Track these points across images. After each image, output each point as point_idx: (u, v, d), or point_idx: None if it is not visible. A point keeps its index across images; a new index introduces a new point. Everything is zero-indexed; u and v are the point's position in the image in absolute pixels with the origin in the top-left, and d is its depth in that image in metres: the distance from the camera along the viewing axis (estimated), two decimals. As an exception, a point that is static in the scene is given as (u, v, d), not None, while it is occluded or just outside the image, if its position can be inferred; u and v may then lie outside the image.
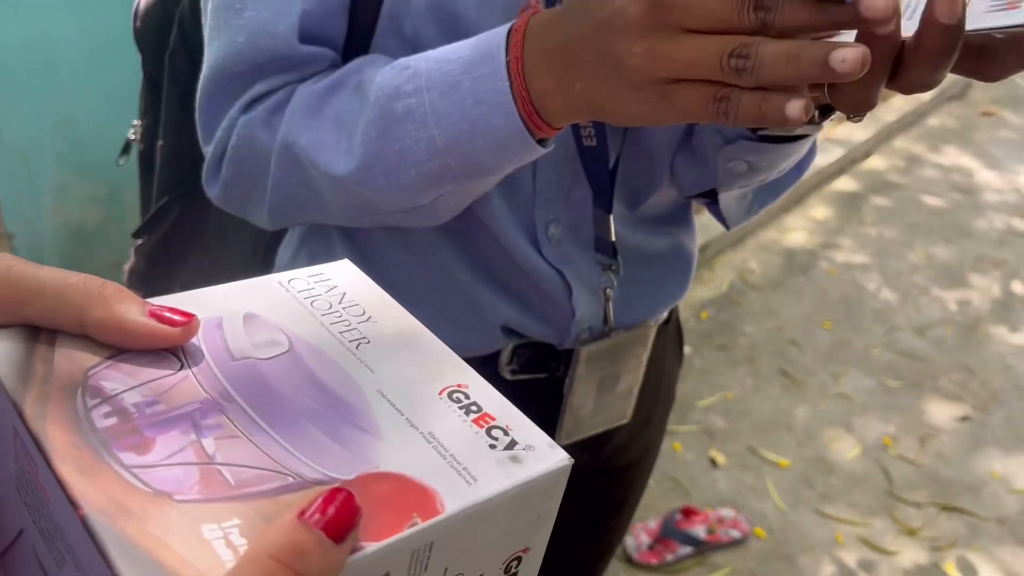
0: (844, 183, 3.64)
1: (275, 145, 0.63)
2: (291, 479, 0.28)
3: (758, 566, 1.90)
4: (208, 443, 0.29)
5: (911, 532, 2.00)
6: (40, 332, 0.32)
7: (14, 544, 0.33)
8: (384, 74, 0.59)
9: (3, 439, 0.31)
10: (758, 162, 0.66)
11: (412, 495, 0.29)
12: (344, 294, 0.39)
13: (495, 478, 0.30)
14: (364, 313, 0.38)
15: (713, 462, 2.16)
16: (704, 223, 2.96)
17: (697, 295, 2.78)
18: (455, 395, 0.34)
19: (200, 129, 0.68)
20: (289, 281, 0.39)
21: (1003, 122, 4.35)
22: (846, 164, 3.72)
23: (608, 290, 0.76)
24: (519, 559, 0.33)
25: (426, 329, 0.38)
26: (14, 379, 0.30)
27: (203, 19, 0.67)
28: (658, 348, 0.88)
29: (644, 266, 0.79)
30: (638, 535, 1.92)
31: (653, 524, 1.94)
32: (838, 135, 3.83)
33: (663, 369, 0.93)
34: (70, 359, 0.31)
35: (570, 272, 0.74)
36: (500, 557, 0.32)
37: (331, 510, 0.25)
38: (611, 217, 0.72)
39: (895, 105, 4.20)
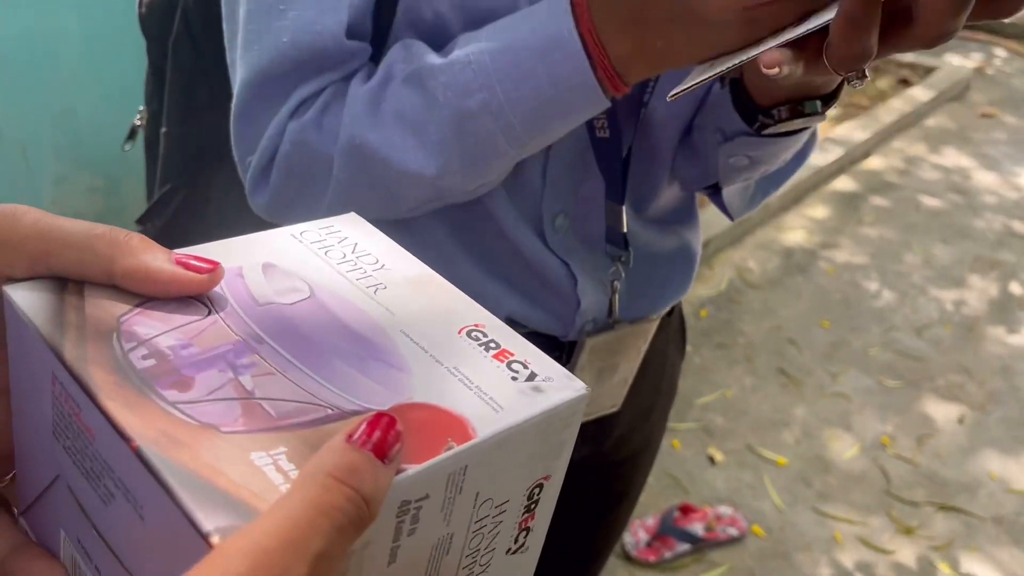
0: (843, 183, 3.64)
1: (336, 147, 0.62)
2: (329, 411, 0.29)
3: (755, 564, 1.90)
4: (246, 380, 0.30)
5: (908, 531, 2.00)
6: (68, 283, 0.32)
7: (48, 490, 0.33)
8: (445, 72, 0.59)
9: (38, 386, 0.31)
10: (759, 156, 0.67)
11: (445, 423, 0.30)
12: (356, 244, 0.40)
13: (520, 406, 0.32)
14: (378, 261, 0.39)
15: (711, 460, 2.16)
16: (704, 221, 2.96)
17: (696, 293, 2.78)
18: (473, 334, 0.35)
19: (237, 137, 0.67)
20: (301, 233, 0.40)
21: (1002, 123, 4.35)
22: (845, 164, 3.73)
23: (616, 282, 0.76)
24: (541, 486, 0.35)
25: (438, 275, 0.39)
26: (49, 326, 0.30)
27: (227, 26, 0.66)
28: (660, 341, 0.88)
29: (651, 265, 0.79)
30: (636, 532, 1.92)
31: (651, 521, 1.94)
32: (837, 135, 3.84)
33: (665, 362, 0.93)
34: (100, 307, 0.32)
35: (575, 263, 0.74)
36: (525, 484, 0.34)
37: (377, 432, 0.26)
38: (623, 208, 0.72)
39: (894, 106, 4.20)
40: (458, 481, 0.30)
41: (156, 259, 0.32)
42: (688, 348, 0.99)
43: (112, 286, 0.32)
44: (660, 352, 0.89)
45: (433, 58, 0.60)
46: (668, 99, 0.53)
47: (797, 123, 0.61)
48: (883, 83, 4.60)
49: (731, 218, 0.80)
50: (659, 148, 0.73)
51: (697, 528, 1.91)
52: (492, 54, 0.57)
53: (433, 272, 0.39)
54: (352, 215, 0.43)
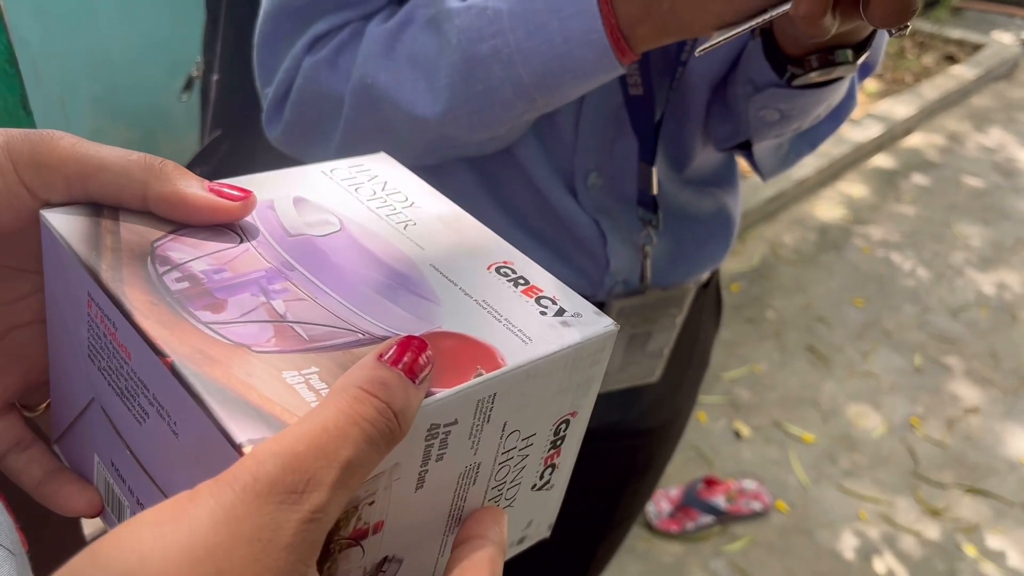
0: (882, 160, 3.58)
1: (348, 86, 0.62)
2: (360, 335, 0.30)
3: (778, 539, 1.89)
4: (278, 304, 0.31)
5: (935, 512, 1.99)
6: (104, 209, 0.33)
7: (82, 415, 0.34)
8: (461, 16, 0.58)
9: (74, 309, 0.32)
10: (790, 110, 0.65)
11: (475, 351, 0.30)
12: (386, 182, 0.40)
13: (549, 339, 0.32)
14: (407, 199, 0.39)
15: (737, 434, 2.15)
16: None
17: (728, 268, 2.75)
18: (502, 270, 0.36)
19: (258, 68, 0.68)
20: (332, 171, 0.40)
21: (1049, 104, 4.25)
22: (885, 141, 3.66)
23: (647, 247, 0.75)
24: (567, 422, 0.35)
25: (468, 214, 0.39)
26: (85, 248, 0.31)
27: None
28: (695, 311, 0.86)
29: (687, 227, 0.78)
30: (659, 503, 1.92)
31: (675, 492, 1.94)
32: (879, 111, 3.76)
33: (698, 333, 0.92)
34: (135, 232, 0.32)
35: (607, 222, 0.73)
36: (552, 418, 0.34)
37: (408, 354, 0.27)
38: (654, 170, 0.70)
39: (939, 83, 4.11)
40: (486, 409, 0.30)
41: (190, 186, 0.33)
42: (721, 315, 0.98)
43: (146, 212, 0.33)
44: (694, 323, 0.88)
45: (453, 1, 0.59)
46: (696, 55, 0.52)
47: (827, 73, 0.59)
48: (928, 59, 4.50)
49: (763, 177, 0.78)
50: (695, 108, 0.72)
51: (720, 501, 1.91)
52: (509, 1, 0.57)
53: (463, 211, 0.39)
54: (382, 154, 0.43)
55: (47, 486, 0.36)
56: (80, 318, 0.31)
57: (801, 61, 0.58)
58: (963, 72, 4.28)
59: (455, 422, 0.29)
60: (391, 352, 0.27)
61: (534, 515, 0.39)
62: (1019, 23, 5.15)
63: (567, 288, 0.35)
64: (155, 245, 0.32)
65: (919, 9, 0.44)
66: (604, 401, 0.85)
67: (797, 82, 0.60)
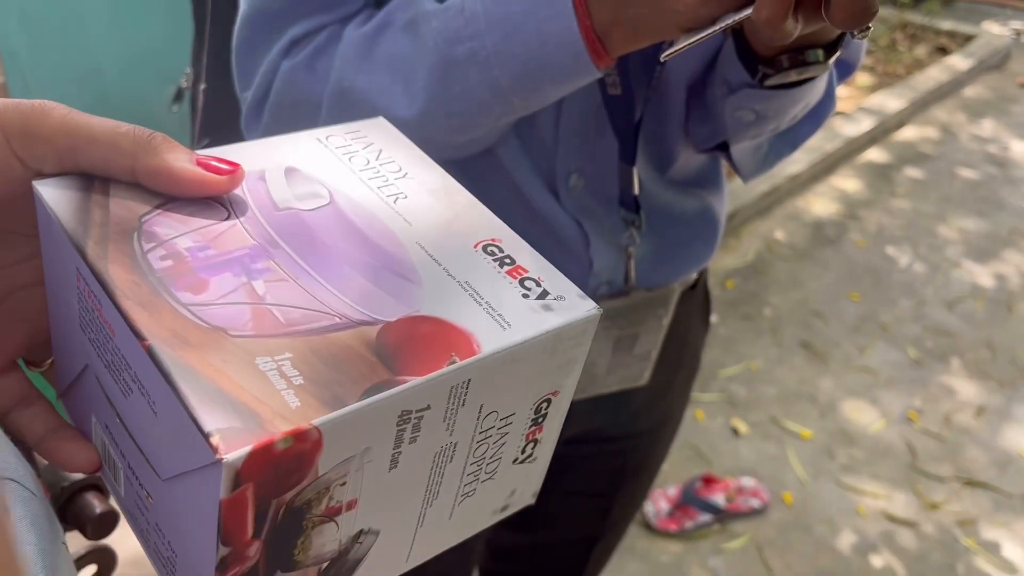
0: (875, 154, 3.58)
1: (326, 90, 0.63)
2: (337, 319, 0.30)
3: (777, 536, 1.89)
4: (258, 285, 0.31)
5: (933, 506, 1.99)
6: (95, 180, 0.33)
7: (79, 378, 0.35)
8: (438, 17, 0.58)
9: (66, 280, 0.32)
10: (765, 110, 0.65)
11: (451, 337, 0.31)
12: (380, 151, 0.40)
13: (528, 324, 0.32)
14: (400, 170, 0.39)
15: (735, 431, 2.15)
16: (732, 191, 2.93)
17: (723, 264, 2.75)
18: (489, 248, 0.35)
19: (237, 72, 0.68)
20: (327, 137, 0.40)
21: (1042, 94, 4.25)
22: (878, 134, 3.66)
23: (630, 248, 0.75)
24: (549, 401, 0.35)
25: (461, 186, 0.39)
26: (74, 223, 0.31)
27: None
28: (682, 313, 0.86)
29: (672, 227, 0.78)
30: (657, 502, 1.92)
31: (673, 491, 1.94)
32: (871, 104, 3.76)
33: (687, 335, 0.91)
34: (124, 206, 0.33)
35: (589, 224, 0.73)
36: (532, 398, 0.34)
37: None
38: (635, 170, 0.70)
39: (931, 74, 4.11)
40: (460, 394, 0.30)
41: (178, 159, 0.33)
42: (714, 319, 0.98)
43: (136, 184, 0.33)
44: (683, 324, 0.88)
45: (430, 5, 0.59)
46: (661, 59, 0.52)
47: (799, 73, 0.58)
48: (920, 51, 4.50)
49: (744, 179, 0.78)
50: (674, 108, 0.72)
51: (719, 499, 1.90)
52: (485, 4, 0.56)
53: (455, 183, 0.39)
54: (380, 119, 0.43)
55: (49, 442, 0.36)
56: (71, 289, 0.32)
57: (773, 61, 0.58)
58: (955, 63, 4.28)
59: (427, 407, 0.30)
60: None
61: (517, 485, 0.39)
62: (1009, 13, 5.15)
63: (553, 269, 0.35)
64: (143, 220, 0.32)
65: (878, 11, 0.44)
66: (594, 405, 0.85)
67: (770, 82, 0.60)
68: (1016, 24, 4.97)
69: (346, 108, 0.62)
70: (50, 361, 0.39)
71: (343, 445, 0.28)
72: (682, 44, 0.50)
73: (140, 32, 1.92)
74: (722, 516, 1.91)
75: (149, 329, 0.28)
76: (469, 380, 0.30)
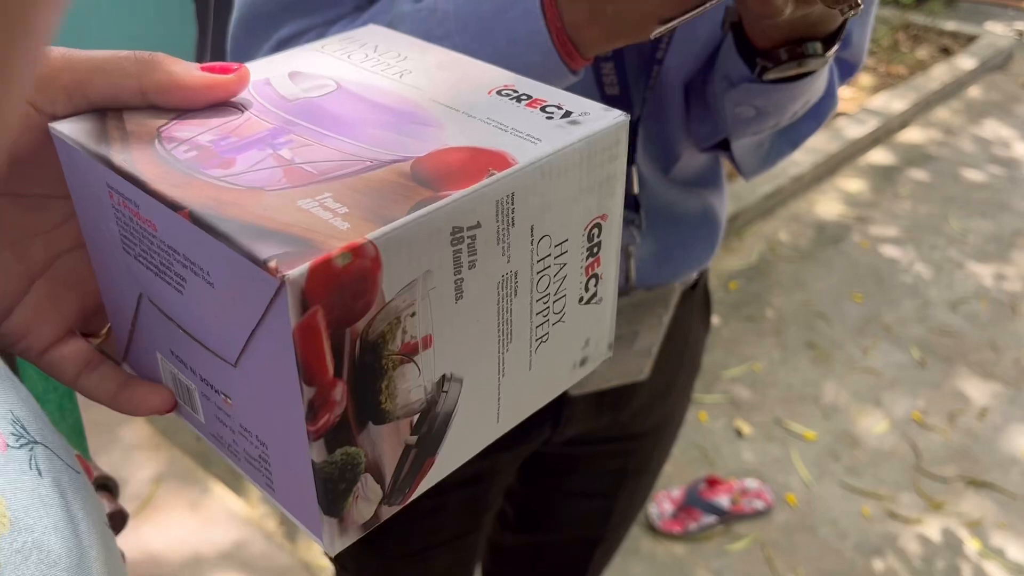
0: (879, 155, 3.57)
1: None
2: (369, 162, 0.31)
3: (781, 537, 1.89)
4: (285, 152, 0.31)
5: (938, 507, 1.98)
6: (108, 112, 0.34)
7: (136, 318, 0.35)
8: (412, 18, 0.58)
9: (100, 208, 0.33)
10: (765, 106, 0.65)
11: (484, 157, 0.31)
12: (377, 46, 0.41)
13: (558, 137, 0.32)
14: (400, 55, 0.40)
15: (738, 432, 2.15)
16: (735, 192, 2.93)
17: (726, 265, 2.75)
18: (504, 92, 0.36)
19: None
20: (323, 47, 0.41)
21: (1046, 95, 4.24)
22: (881, 135, 3.65)
23: (630, 247, 0.75)
24: (599, 226, 0.36)
25: (464, 56, 0.40)
26: (95, 143, 0.32)
27: None
28: (683, 313, 0.86)
29: (673, 227, 0.78)
30: (661, 503, 1.92)
31: (677, 493, 1.94)
32: (874, 105, 3.76)
33: (688, 336, 0.91)
34: (140, 124, 0.33)
35: None
36: (581, 221, 0.35)
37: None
38: (634, 169, 0.70)
39: (934, 75, 4.11)
40: (507, 210, 0.31)
41: (184, 68, 0.33)
42: (717, 320, 0.98)
43: (148, 108, 0.34)
44: (683, 325, 0.88)
45: (407, 5, 0.59)
46: (651, 37, 0.52)
47: (798, 66, 0.58)
48: (923, 52, 4.49)
49: (745, 176, 0.78)
50: (674, 107, 0.72)
51: (723, 500, 1.90)
52: (456, 3, 0.56)
53: (459, 54, 0.40)
54: (371, 25, 0.44)
55: (121, 395, 0.37)
56: (107, 214, 0.32)
57: (771, 54, 0.58)
58: (958, 64, 4.27)
59: (478, 224, 0.30)
60: None
61: (590, 332, 0.39)
62: (1012, 14, 5.14)
63: (573, 95, 0.35)
64: (160, 129, 0.33)
65: None
66: (595, 401, 0.85)
67: (769, 76, 0.60)
68: (1019, 25, 4.96)
69: None
70: (106, 329, 0.39)
71: (402, 264, 0.28)
72: (672, 23, 0.50)
73: (140, 34, 1.93)
74: (726, 518, 1.90)
75: (186, 200, 0.28)
76: (513, 194, 0.30)
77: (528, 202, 0.31)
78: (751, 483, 1.96)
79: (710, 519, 1.89)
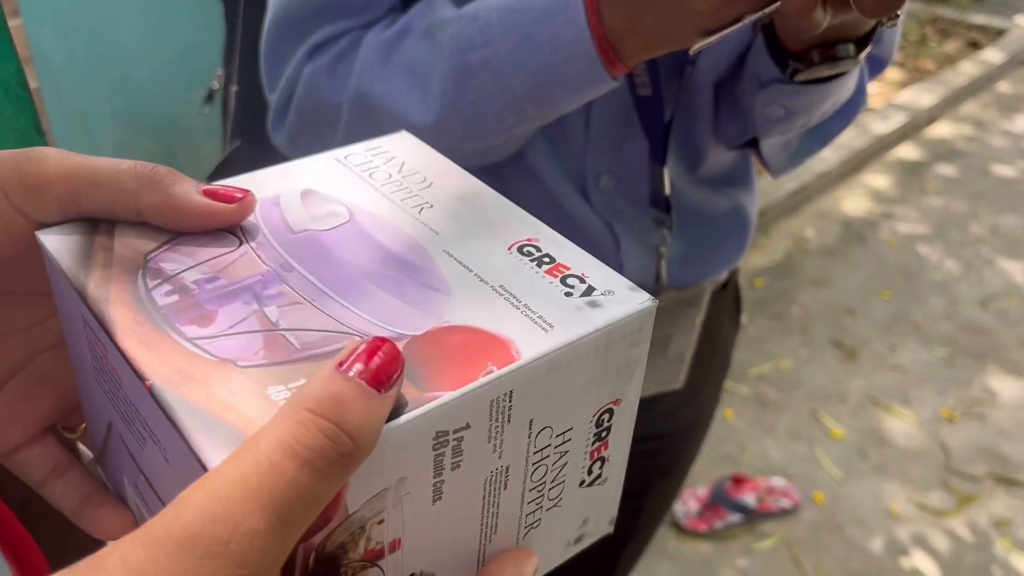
0: (906, 151, 3.53)
1: (346, 95, 0.63)
2: (358, 338, 0.27)
3: (808, 536, 1.88)
4: (271, 311, 0.29)
5: (967, 506, 1.96)
6: (99, 224, 0.32)
7: (107, 438, 0.33)
8: (454, 25, 0.58)
9: (77, 332, 0.31)
10: (794, 106, 0.64)
11: (485, 345, 0.28)
12: (403, 163, 0.38)
13: (573, 324, 0.29)
14: (425, 180, 0.37)
15: (765, 431, 2.13)
16: (761, 189, 2.90)
17: (752, 262, 2.73)
18: (525, 249, 0.32)
19: (265, 76, 0.69)
20: (346, 156, 0.38)
21: (1077, 88, 4.18)
22: (909, 130, 3.61)
23: (661, 248, 0.74)
24: (611, 411, 0.32)
25: (491, 189, 0.36)
26: (75, 268, 0.29)
27: None
28: (713, 313, 0.86)
29: (702, 226, 0.78)
30: (687, 502, 1.91)
31: (702, 491, 1.93)
32: (901, 100, 3.72)
33: (718, 335, 0.91)
34: (129, 246, 0.31)
35: (620, 225, 0.73)
36: (590, 409, 0.31)
37: (375, 359, 0.24)
38: (665, 170, 0.70)
39: (962, 69, 4.06)
40: (504, 408, 0.27)
41: (183, 191, 0.31)
42: (743, 318, 0.97)
43: (143, 223, 0.31)
44: (713, 325, 0.88)
45: (448, 11, 0.59)
46: (691, 52, 0.51)
47: (830, 68, 0.58)
48: (951, 46, 4.44)
49: (773, 175, 0.77)
50: (703, 107, 0.71)
51: (749, 499, 1.89)
52: (500, 11, 0.56)
53: (485, 186, 0.37)
54: (403, 133, 0.41)
55: (84, 511, 0.35)
56: (82, 340, 0.31)
57: (803, 56, 0.58)
58: (987, 58, 4.22)
59: (467, 426, 0.27)
60: (352, 359, 0.24)
61: (589, 512, 0.35)
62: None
63: (599, 263, 0.32)
64: (148, 257, 0.30)
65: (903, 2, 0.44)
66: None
67: (800, 77, 0.59)
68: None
69: (365, 113, 0.62)
70: (83, 426, 0.37)
71: (372, 476, 0.25)
72: (705, 42, 0.50)
73: (169, 36, 1.94)
74: (752, 516, 1.89)
75: (151, 368, 0.26)
76: (511, 392, 0.27)
77: (529, 398, 0.28)
78: (777, 481, 1.95)
79: (736, 517, 1.89)
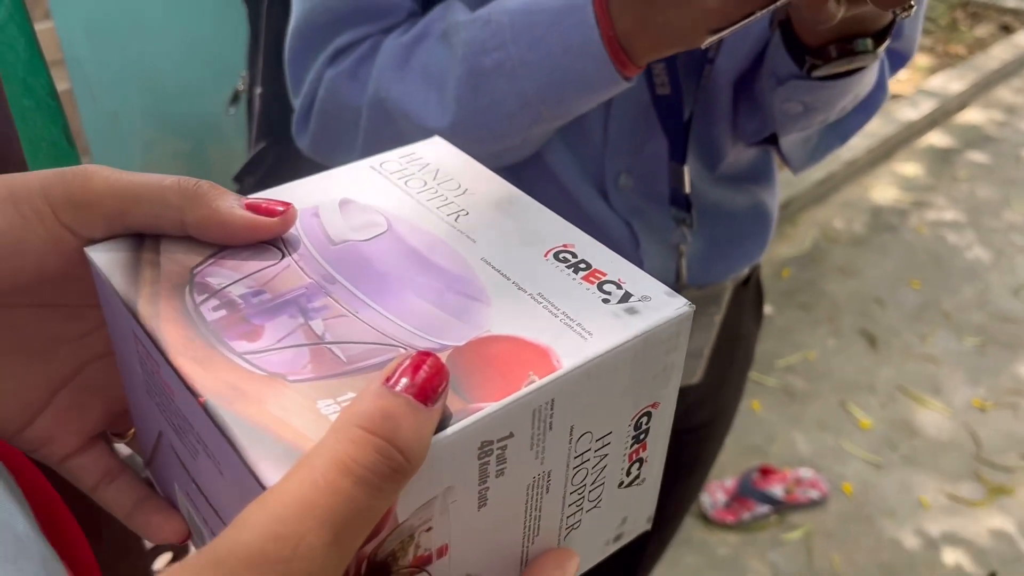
0: (936, 137, 3.49)
1: (365, 99, 0.64)
2: (402, 350, 0.28)
3: (837, 527, 1.87)
4: (316, 324, 0.29)
5: (999, 496, 1.94)
6: (145, 239, 0.32)
7: (157, 446, 0.34)
8: (467, 28, 0.59)
9: (127, 345, 0.32)
10: (813, 102, 0.64)
11: (526, 354, 0.28)
12: (438, 170, 0.38)
13: (611, 331, 0.29)
14: (460, 186, 0.37)
15: (792, 421, 2.13)
16: (787, 178, 2.89)
17: (779, 252, 2.71)
18: (561, 255, 0.33)
19: (289, 80, 0.70)
20: (381, 164, 0.39)
21: (1113, 71, 4.10)
22: (939, 117, 3.57)
23: (681, 246, 0.75)
24: (648, 414, 0.33)
25: (525, 195, 0.37)
26: (125, 285, 0.30)
27: None
28: (735, 309, 0.86)
29: (723, 224, 0.78)
30: (714, 493, 1.91)
31: (730, 482, 1.93)
32: (931, 86, 3.67)
33: (740, 330, 0.91)
34: (175, 261, 0.32)
35: (639, 224, 0.73)
36: (628, 413, 0.32)
37: (420, 373, 0.24)
38: (685, 168, 0.70)
39: (995, 54, 4.00)
40: (545, 416, 0.28)
41: (227, 205, 0.32)
42: (770, 309, 0.97)
43: (188, 237, 0.32)
44: (735, 321, 0.88)
45: (462, 15, 0.60)
46: (702, 46, 0.52)
47: (848, 63, 0.58)
48: (982, 30, 4.37)
49: (794, 171, 0.77)
50: (722, 105, 0.72)
51: (777, 490, 1.89)
52: (512, 14, 0.57)
53: (519, 192, 0.37)
54: (436, 139, 0.42)
55: (136, 516, 0.36)
56: (132, 354, 0.32)
57: (821, 51, 0.58)
58: (1020, 42, 4.15)
59: (510, 435, 0.27)
60: (399, 374, 0.24)
61: (628, 511, 0.36)
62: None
63: (634, 268, 0.32)
64: (194, 272, 0.31)
65: None
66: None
67: (818, 73, 0.60)
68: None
69: (383, 117, 0.63)
70: (132, 431, 0.39)
71: (421, 486, 0.26)
72: (715, 38, 0.50)
73: (196, 35, 1.97)
74: (780, 508, 1.89)
75: (204, 384, 0.27)
76: (553, 400, 0.28)
77: (569, 405, 0.29)
78: (805, 472, 1.94)
79: (763, 509, 1.88)
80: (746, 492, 1.90)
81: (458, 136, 0.61)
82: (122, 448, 0.39)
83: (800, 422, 2.13)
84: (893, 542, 1.84)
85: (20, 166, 0.39)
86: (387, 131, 0.64)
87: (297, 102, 0.69)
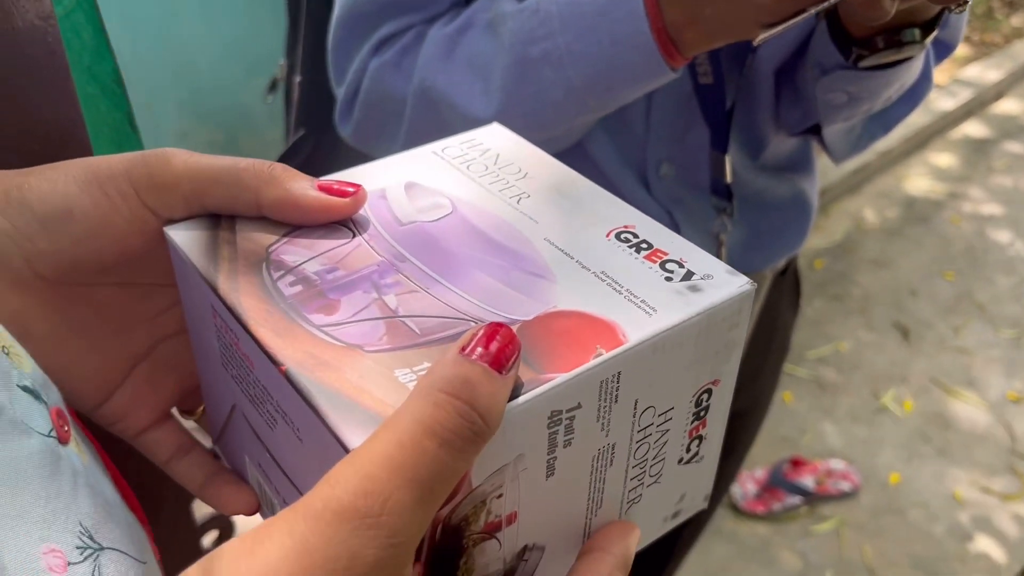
0: (972, 128, 3.44)
1: (410, 89, 0.65)
2: (472, 324, 0.29)
3: (869, 519, 1.86)
4: (390, 299, 0.30)
5: (1034, 491, 1.92)
6: (221, 219, 0.34)
7: (229, 420, 0.35)
8: (515, 18, 0.59)
9: (204, 321, 0.33)
10: (858, 92, 0.64)
11: (593, 329, 0.29)
12: (498, 155, 0.39)
13: (675, 308, 0.30)
14: (520, 170, 0.38)
15: (824, 413, 2.12)
16: (820, 169, 2.85)
17: (811, 243, 2.69)
18: (623, 235, 0.34)
19: (332, 69, 0.71)
20: (443, 149, 0.40)
21: None
22: (975, 107, 3.52)
23: (722, 235, 0.75)
24: (709, 391, 0.33)
25: (585, 178, 0.38)
26: (205, 262, 0.32)
27: None
28: (772, 298, 0.86)
29: (764, 213, 0.78)
30: (745, 484, 1.91)
31: (761, 473, 1.93)
32: (966, 76, 3.62)
33: (776, 320, 0.91)
34: (251, 240, 0.33)
35: (680, 213, 0.73)
36: (690, 389, 0.32)
37: (494, 343, 0.26)
38: (727, 158, 0.70)
39: (1032, 43, 3.93)
40: (612, 389, 0.29)
41: (300, 187, 0.33)
42: (800, 300, 0.97)
43: (261, 217, 0.34)
44: (772, 310, 0.88)
45: (509, 5, 0.60)
46: (754, 43, 0.52)
47: (894, 53, 0.58)
48: (1019, 19, 4.30)
49: (835, 161, 0.77)
50: (764, 94, 0.72)
51: (808, 481, 1.88)
52: (560, 4, 0.57)
53: (579, 175, 0.38)
54: (495, 125, 0.43)
55: (208, 488, 0.38)
56: (210, 329, 0.33)
57: (867, 42, 0.58)
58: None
59: (578, 406, 0.28)
60: (474, 344, 0.25)
61: (686, 488, 0.37)
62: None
63: (695, 248, 0.33)
64: (270, 250, 0.32)
65: None
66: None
67: (864, 63, 0.59)
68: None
69: (428, 106, 0.64)
70: (202, 408, 0.40)
71: (494, 452, 0.27)
72: (767, 34, 0.50)
73: (231, 25, 1.98)
74: (811, 499, 1.88)
75: (284, 354, 0.28)
76: (619, 373, 0.29)
77: (634, 379, 0.29)
78: (837, 464, 1.94)
79: (794, 500, 1.88)
80: (777, 483, 1.90)
81: (503, 125, 0.61)
82: (188, 424, 0.40)
83: (831, 414, 2.12)
84: (926, 534, 1.83)
85: (84, 150, 0.40)
86: (432, 120, 0.64)
87: (340, 91, 0.70)
